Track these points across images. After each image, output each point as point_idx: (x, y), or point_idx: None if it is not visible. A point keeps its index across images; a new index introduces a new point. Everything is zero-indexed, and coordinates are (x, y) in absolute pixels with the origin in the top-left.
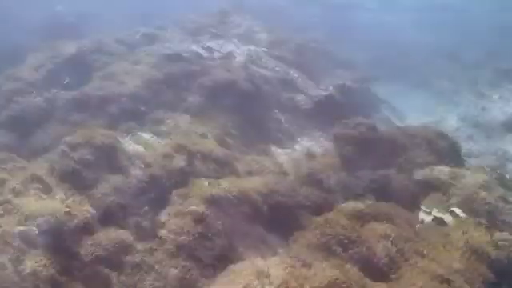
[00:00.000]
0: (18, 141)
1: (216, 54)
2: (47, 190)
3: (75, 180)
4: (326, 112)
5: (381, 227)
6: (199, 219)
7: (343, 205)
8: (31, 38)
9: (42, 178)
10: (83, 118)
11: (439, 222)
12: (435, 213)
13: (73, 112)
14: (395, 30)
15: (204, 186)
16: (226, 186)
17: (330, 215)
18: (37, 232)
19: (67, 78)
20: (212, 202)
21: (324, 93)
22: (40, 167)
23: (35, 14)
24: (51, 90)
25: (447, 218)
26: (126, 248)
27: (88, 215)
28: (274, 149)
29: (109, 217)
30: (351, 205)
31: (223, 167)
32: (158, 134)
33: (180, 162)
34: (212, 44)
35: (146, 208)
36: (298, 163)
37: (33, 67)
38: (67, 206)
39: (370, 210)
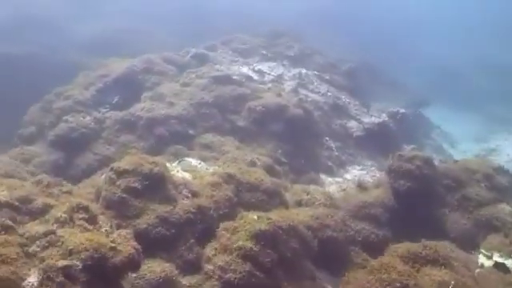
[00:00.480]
0: (66, 160)
1: (266, 77)
2: (93, 219)
3: (121, 208)
4: (378, 140)
5: (439, 273)
6: (247, 256)
7: (398, 245)
8: (83, 53)
9: (88, 207)
10: (131, 140)
11: (501, 268)
12: (496, 257)
13: (121, 133)
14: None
15: (252, 220)
16: (274, 219)
17: (385, 259)
18: (80, 267)
19: (116, 97)
20: (260, 237)
21: (377, 120)
22: (86, 192)
23: (86, 30)
24: (100, 109)
25: (510, 263)
26: (170, 282)
27: (133, 251)
28: (323, 177)
29: (154, 249)
30: (407, 246)
31: (272, 197)
32: (205, 159)
33: (228, 192)
34: (262, 67)
35: (192, 240)
36: (348, 194)
37: (83, 85)
38: (112, 242)
39: (426, 252)
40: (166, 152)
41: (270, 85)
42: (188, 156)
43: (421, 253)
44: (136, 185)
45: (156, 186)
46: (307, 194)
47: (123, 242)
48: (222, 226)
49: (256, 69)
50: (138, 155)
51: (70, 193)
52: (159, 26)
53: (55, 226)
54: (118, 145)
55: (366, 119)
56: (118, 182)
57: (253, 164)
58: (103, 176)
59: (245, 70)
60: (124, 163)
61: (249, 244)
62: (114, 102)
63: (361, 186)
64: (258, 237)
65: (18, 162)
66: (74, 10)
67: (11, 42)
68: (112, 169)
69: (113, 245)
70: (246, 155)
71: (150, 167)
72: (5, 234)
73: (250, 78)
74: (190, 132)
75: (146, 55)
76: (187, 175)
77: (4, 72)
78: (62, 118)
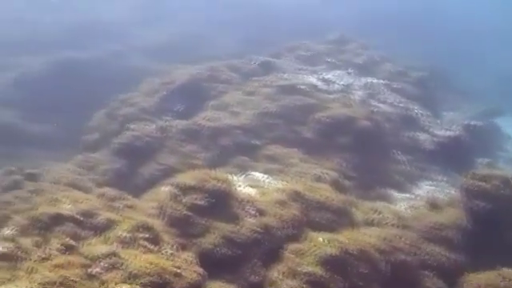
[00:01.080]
0: (130, 168)
1: (334, 87)
2: (156, 239)
3: (185, 227)
4: (451, 154)
5: None
6: (315, 283)
7: (479, 275)
8: (147, 58)
9: (151, 226)
10: (195, 150)
11: None
12: None
13: (184, 142)
14: None
15: (321, 242)
16: (344, 242)
17: None
18: None
19: (180, 105)
20: (329, 263)
21: (449, 133)
22: (149, 206)
23: (151, 35)
24: (164, 117)
25: None
26: None
27: (198, 278)
28: (393, 193)
29: (218, 269)
30: (488, 275)
31: (340, 217)
32: (271, 171)
33: (295, 211)
34: (330, 75)
35: (258, 262)
36: (420, 213)
37: (147, 93)
38: (176, 267)
39: (505, 284)
40: (230, 163)
41: (337, 94)
42: (253, 168)
43: (505, 285)
44: (201, 202)
45: (221, 203)
46: (377, 213)
47: (187, 267)
48: (288, 247)
49: (323, 77)
50: (202, 170)
51: (133, 207)
52: (223, 31)
53: (117, 245)
54: (182, 155)
55: (438, 131)
56: (182, 199)
57: (320, 179)
58: (167, 188)
59: (311, 79)
60: (188, 179)
61: (317, 270)
62: (177, 109)
63: (433, 205)
64: (327, 262)
65: (82, 169)
66: (138, 15)
67: (77, 47)
68: (176, 184)
69: (177, 270)
70: (313, 169)
71: (215, 184)
72: (67, 253)
73: (316, 88)
74: (255, 143)
75: (211, 63)
76: (253, 191)
77: (70, 77)
78: (126, 126)
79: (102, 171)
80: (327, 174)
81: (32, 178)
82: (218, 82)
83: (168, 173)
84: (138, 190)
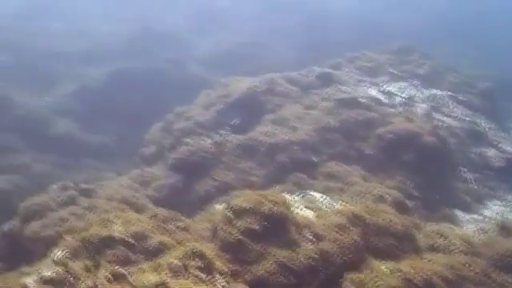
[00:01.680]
0: (185, 183)
1: (396, 100)
2: (208, 268)
3: (238, 252)
4: None
5: None
6: None
7: None
8: (205, 67)
9: (203, 253)
10: (251, 166)
11: None
12: None
13: (241, 158)
14: None
15: (382, 272)
16: (406, 272)
17: None
18: None
19: (237, 119)
20: None
21: None
22: (202, 228)
23: (208, 44)
24: (220, 131)
25: None
26: None
27: None
28: (459, 214)
29: None
30: None
31: (402, 242)
32: (330, 190)
33: (354, 235)
34: (392, 88)
35: None
36: (490, 238)
37: (203, 106)
38: None
39: None
40: (287, 181)
41: (400, 108)
42: (311, 186)
43: None
44: (255, 226)
45: (276, 227)
46: (442, 238)
47: None
48: (347, 276)
49: (384, 90)
50: (258, 192)
51: (185, 229)
52: (282, 39)
53: (168, 274)
54: (238, 171)
55: (508, 147)
56: (235, 222)
57: (381, 199)
58: (221, 209)
59: (372, 91)
60: (243, 201)
61: None
62: (234, 123)
63: (504, 228)
64: None
65: (138, 185)
66: (193, 24)
67: (135, 58)
68: (230, 207)
69: None
70: (374, 188)
71: (270, 207)
72: (116, 283)
73: (378, 101)
74: (314, 159)
75: (269, 75)
76: (310, 214)
77: (128, 87)
78: (182, 141)
79: (157, 187)
80: (389, 193)
81: (87, 193)
82: (276, 94)
83: (223, 190)
84: (193, 207)
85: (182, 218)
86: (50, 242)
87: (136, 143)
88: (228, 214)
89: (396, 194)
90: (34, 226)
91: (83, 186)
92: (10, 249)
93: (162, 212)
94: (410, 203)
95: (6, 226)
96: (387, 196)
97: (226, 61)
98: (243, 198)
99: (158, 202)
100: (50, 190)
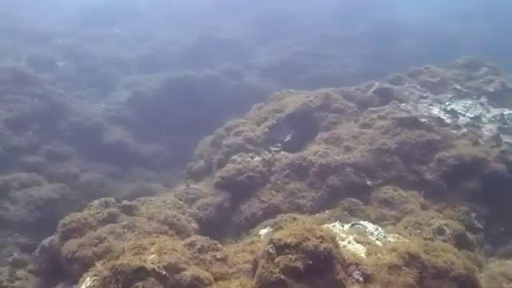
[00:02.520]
0: (232, 204)
1: (460, 120)
2: None
3: None
4: None
5: None
6: None
7: None
8: (261, 77)
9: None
10: (300, 188)
11: None
12: None
13: (290, 179)
14: None
15: None
16: None
17: None
18: None
19: (289, 135)
20: None
21: None
22: (243, 260)
23: (265, 52)
24: (271, 148)
25: None
26: None
27: None
28: None
29: None
30: None
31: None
32: (384, 218)
33: (409, 278)
34: (456, 106)
35: None
36: None
37: (255, 120)
38: None
39: None
40: (338, 205)
41: (464, 129)
42: (363, 212)
43: None
44: (297, 264)
45: (322, 266)
46: (508, 282)
47: None
48: None
49: (448, 108)
50: (303, 225)
51: (224, 260)
52: (343, 50)
53: None
54: (286, 193)
55: None
56: (277, 259)
57: (440, 232)
58: (265, 231)
59: (435, 110)
60: (286, 236)
61: None
62: (285, 140)
63: None
64: None
65: (183, 202)
66: (253, 31)
67: (192, 66)
68: (272, 241)
69: None
70: (433, 219)
71: (316, 243)
72: None
73: (440, 121)
74: (368, 183)
75: (324, 89)
76: (360, 248)
77: (183, 96)
78: (230, 158)
79: (202, 205)
80: (449, 225)
81: (128, 210)
82: (331, 111)
83: (270, 212)
84: (238, 229)
85: (220, 246)
86: (85, 263)
87: (187, 154)
88: (270, 249)
89: (456, 226)
90: (71, 245)
91: (125, 202)
92: (49, 265)
93: (200, 241)
94: (471, 236)
95: (47, 241)
96: (446, 228)
97: (284, 71)
98: (288, 232)
99: (201, 222)
100: (91, 205)
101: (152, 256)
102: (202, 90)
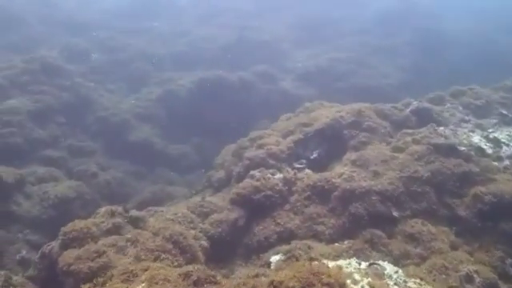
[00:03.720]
0: (246, 223)
1: (504, 150)
2: None
3: None
4: None
5: None
6: None
7: None
8: (295, 82)
9: None
10: (320, 213)
11: None
12: None
13: (310, 201)
14: None
15: None
16: None
17: None
18: None
19: (315, 152)
20: None
21: None
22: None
23: (302, 56)
24: (295, 164)
25: None
26: None
27: None
28: None
29: None
30: None
31: None
32: (407, 255)
33: None
34: (500, 134)
35: None
36: None
37: (281, 132)
38: None
39: None
40: (359, 236)
41: (507, 161)
42: (386, 246)
43: None
44: None
45: None
46: None
47: None
48: None
49: (491, 136)
50: (310, 266)
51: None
52: (383, 59)
53: None
54: (305, 217)
55: None
56: None
57: (469, 279)
58: (277, 258)
59: (475, 137)
60: (289, 278)
61: None
62: (312, 157)
63: None
64: None
65: (195, 216)
66: (294, 34)
67: (227, 66)
68: (273, 284)
69: None
70: (463, 263)
71: (327, 281)
72: None
73: (480, 150)
74: (394, 214)
75: (357, 105)
76: None
77: (214, 97)
78: (249, 173)
79: (215, 221)
80: (481, 273)
81: (135, 222)
82: (362, 129)
83: (285, 237)
84: (249, 252)
85: (219, 279)
86: (80, 278)
87: (213, 159)
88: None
89: (488, 274)
90: (69, 256)
91: (132, 213)
92: (48, 272)
93: (197, 271)
94: (504, 286)
95: (48, 248)
96: (476, 276)
97: (321, 77)
98: (292, 273)
99: (212, 239)
100: (97, 213)
101: (142, 285)
102: (234, 92)
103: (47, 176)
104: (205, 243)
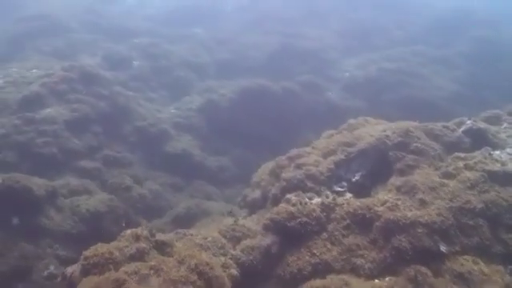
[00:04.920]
0: (279, 251)
1: None
2: None
3: None
4: None
5: None
6: None
7: None
8: (341, 93)
9: None
10: (360, 244)
11: None
12: None
13: (349, 231)
14: None
15: None
16: None
17: None
18: None
19: (358, 174)
20: None
21: None
22: None
23: (350, 65)
24: (335, 187)
25: None
26: None
27: None
28: None
29: None
30: None
31: None
32: None
33: None
34: None
35: None
36: None
37: (321, 151)
38: None
39: None
40: (402, 272)
41: None
42: (431, 286)
43: None
44: None
45: None
46: None
47: None
48: None
49: None
50: None
51: None
52: (437, 70)
53: None
54: (343, 248)
55: None
56: None
57: None
58: None
59: None
60: None
61: None
62: (353, 180)
63: None
64: None
65: (226, 240)
66: (343, 43)
67: (271, 75)
68: None
69: None
70: None
71: None
72: None
73: None
74: (442, 249)
75: (405, 123)
76: None
77: (257, 108)
78: (286, 196)
79: (247, 247)
80: None
81: (161, 247)
82: (409, 151)
83: (320, 270)
84: (281, 285)
85: None
86: None
87: (253, 173)
88: None
89: None
90: (87, 285)
91: (158, 237)
92: None
93: None
94: None
95: (70, 270)
96: None
97: (369, 88)
98: None
99: (243, 267)
100: (122, 236)
101: None
102: (278, 102)
103: (80, 188)
104: (234, 271)
